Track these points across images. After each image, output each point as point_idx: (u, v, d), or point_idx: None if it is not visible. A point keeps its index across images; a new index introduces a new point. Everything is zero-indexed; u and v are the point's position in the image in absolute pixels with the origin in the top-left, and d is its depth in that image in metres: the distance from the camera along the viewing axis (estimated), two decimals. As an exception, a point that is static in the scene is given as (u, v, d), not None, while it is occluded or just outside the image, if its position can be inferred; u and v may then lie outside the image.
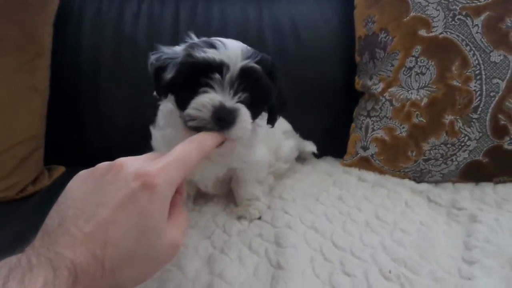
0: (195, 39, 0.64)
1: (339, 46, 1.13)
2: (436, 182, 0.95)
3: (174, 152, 0.42)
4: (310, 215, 0.77)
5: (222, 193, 0.86)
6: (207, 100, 0.54)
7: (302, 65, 1.12)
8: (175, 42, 1.09)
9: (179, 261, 0.65)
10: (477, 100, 0.89)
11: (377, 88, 0.98)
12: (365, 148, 1.00)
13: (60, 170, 1.07)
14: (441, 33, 0.90)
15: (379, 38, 0.98)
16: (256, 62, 0.57)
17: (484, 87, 0.88)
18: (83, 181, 0.40)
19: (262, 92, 0.59)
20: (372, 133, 0.98)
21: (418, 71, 0.92)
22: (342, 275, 0.61)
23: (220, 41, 0.58)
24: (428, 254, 0.66)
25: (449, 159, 0.92)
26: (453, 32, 0.89)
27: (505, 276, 0.60)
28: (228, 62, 0.55)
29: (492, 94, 0.88)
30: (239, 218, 0.78)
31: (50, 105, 1.05)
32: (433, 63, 0.91)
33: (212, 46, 0.57)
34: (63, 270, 0.31)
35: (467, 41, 0.89)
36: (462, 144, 0.91)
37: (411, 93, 0.93)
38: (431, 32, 0.91)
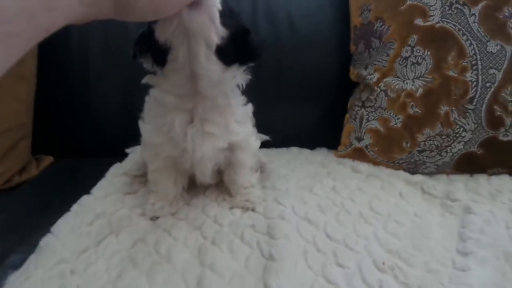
0: None
1: (334, 35, 1.11)
2: (431, 174, 0.95)
3: None
4: (304, 206, 0.76)
5: (216, 182, 0.85)
6: None
7: (296, 55, 1.11)
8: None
9: (169, 253, 0.63)
10: (473, 90, 0.87)
11: (372, 78, 0.96)
12: (359, 139, 0.99)
13: (48, 160, 1.05)
14: (438, 22, 0.89)
15: (375, 27, 0.96)
16: None
17: (480, 78, 0.87)
18: None
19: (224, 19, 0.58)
20: (367, 124, 0.97)
21: (414, 61, 0.91)
22: (335, 267, 0.60)
23: None
24: (422, 245, 0.65)
25: (444, 150, 0.91)
26: (450, 21, 0.88)
27: (499, 267, 0.59)
28: None
29: (488, 84, 0.87)
30: (235, 208, 0.77)
31: (38, 94, 1.02)
32: (429, 53, 0.90)
33: None
34: None
35: (464, 31, 0.87)
36: (457, 135, 0.90)
37: (407, 83, 0.92)
38: (428, 21, 0.89)
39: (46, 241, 0.64)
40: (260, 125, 1.06)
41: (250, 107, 0.78)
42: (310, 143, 1.15)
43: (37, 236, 0.66)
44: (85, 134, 1.12)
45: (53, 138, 1.11)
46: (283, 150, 1.10)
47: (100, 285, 0.56)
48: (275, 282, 0.55)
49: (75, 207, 0.74)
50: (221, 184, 0.85)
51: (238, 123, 0.74)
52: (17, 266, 0.60)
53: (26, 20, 0.30)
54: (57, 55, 1.06)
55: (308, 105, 1.14)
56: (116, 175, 0.88)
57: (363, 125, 0.98)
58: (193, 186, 0.85)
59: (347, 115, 1.05)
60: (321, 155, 1.06)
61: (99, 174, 0.89)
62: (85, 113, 1.10)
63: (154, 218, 0.74)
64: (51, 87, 1.07)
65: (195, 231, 0.70)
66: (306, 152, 1.09)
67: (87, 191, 0.81)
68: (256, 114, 1.01)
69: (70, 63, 1.07)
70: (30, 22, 0.31)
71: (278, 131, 1.11)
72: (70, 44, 1.07)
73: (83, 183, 0.85)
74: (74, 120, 1.11)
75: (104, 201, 0.77)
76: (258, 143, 0.83)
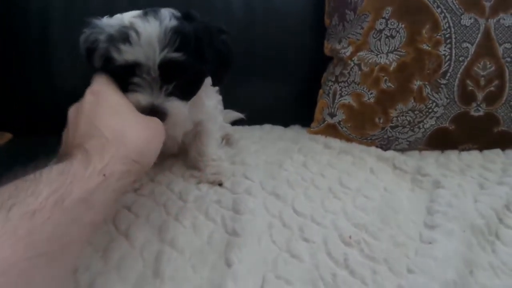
0: (114, 21, 0.58)
1: (309, 8, 1.08)
2: (403, 150, 0.94)
3: None
4: (272, 181, 0.74)
5: (179, 152, 0.84)
6: (134, 102, 0.54)
7: (270, 29, 1.07)
8: (131, 3, 1.02)
9: (128, 230, 0.60)
10: (446, 65, 0.86)
11: (346, 52, 0.94)
12: (332, 115, 0.96)
13: (6, 136, 0.99)
14: (413, -7, 0.86)
15: (349, -1, 0.93)
16: (177, 48, 0.54)
17: (453, 52, 0.86)
18: None
19: (190, 77, 0.59)
20: (340, 99, 0.95)
21: (388, 34, 0.89)
22: (301, 241, 0.58)
23: (135, 29, 0.53)
24: (390, 219, 0.64)
25: (416, 126, 0.90)
26: (424, -7, 0.86)
27: (465, 240, 0.58)
28: (145, 62, 0.53)
29: (461, 58, 0.86)
30: (203, 182, 0.75)
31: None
32: (403, 25, 0.87)
33: (127, 40, 0.53)
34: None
35: (439, 3, 0.85)
36: (430, 110, 0.89)
37: (380, 57, 0.90)
38: (403, -8, 0.87)
39: None
40: (233, 102, 1.03)
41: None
42: (284, 120, 1.12)
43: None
44: (44, 112, 1.06)
45: (12, 116, 1.04)
46: (256, 127, 1.07)
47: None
48: (237, 256, 0.53)
49: (29, 183, 0.70)
50: (188, 160, 0.82)
51: (206, 97, 0.73)
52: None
53: (77, 229, 0.36)
54: (15, 31, 0.99)
55: (282, 81, 1.11)
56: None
57: (336, 101, 0.96)
58: (158, 163, 0.81)
59: (320, 91, 1.02)
60: (294, 131, 1.04)
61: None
62: (45, 91, 1.03)
63: (115, 195, 0.70)
64: (10, 64, 1.00)
65: (158, 207, 0.66)
66: (278, 129, 1.06)
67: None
68: (228, 91, 0.97)
69: (29, 40, 1.00)
70: (80, 229, 0.37)
71: (251, 108, 1.09)
72: (28, 13, 0.99)
73: (41, 160, 0.80)
74: (34, 97, 1.04)
75: (62, 177, 0.73)
76: (221, 118, 0.83)
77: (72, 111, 0.51)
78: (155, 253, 0.55)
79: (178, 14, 0.59)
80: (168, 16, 0.55)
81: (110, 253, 0.55)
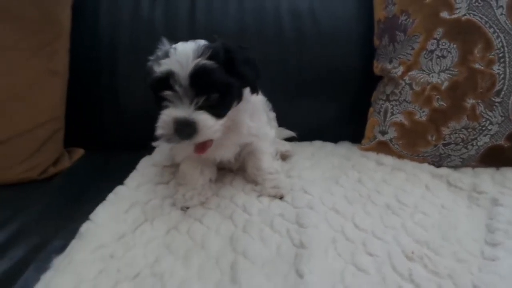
0: (164, 46, 0.67)
1: (357, 29, 1.11)
2: (456, 167, 0.95)
3: None
4: (331, 196, 0.78)
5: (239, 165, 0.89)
6: (165, 117, 0.61)
7: (320, 49, 1.11)
8: (191, 25, 1.11)
9: (202, 240, 0.66)
10: (500, 83, 0.87)
11: (397, 72, 0.97)
12: (383, 133, 0.99)
13: (79, 152, 1.08)
14: (464, 15, 0.88)
15: (400, 21, 0.96)
16: (208, 57, 0.60)
17: (507, 70, 0.87)
18: None
19: (221, 89, 0.63)
20: (391, 117, 0.98)
21: (440, 54, 0.91)
22: (365, 255, 0.61)
23: (175, 47, 0.63)
24: (450, 236, 0.66)
25: (470, 143, 0.91)
26: (476, 13, 0.88)
27: (529, 258, 0.59)
28: (178, 70, 0.59)
29: (515, 77, 0.87)
30: (264, 195, 0.80)
31: (70, 88, 1.06)
32: (455, 46, 0.89)
33: (166, 55, 0.62)
34: None
35: (491, 23, 0.87)
36: (483, 128, 0.90)
37: (432, 76, 0.92)
38: (454, 14, 0.89)
39: (86, 227, 0.67)
40: (283, 120, 1.08)
41: (260, 98, 0.82)
42: (332, 137, 1.15)
43: (75, 223, 0.69)
44: (112, 129, 1.15)
45: (84, 132, 1.14)
46: (306, 143, 1.11)
47: (139, 269, 0.59)
48: (307, 268, 0.57)
49: (110, 196, 0.77)
50: (246, 175, 0.87)
51: (251, 117, 0.77)
52: (59, 251, 0.63)
53: None
54: (88, 52, 1.09)
55: (329, 99, 1.15)
56: (146, 167, 0.91)
57: (387, 119, 0.98)
58: (220, 178, 0.87)
59: (371, 109, 1.05)
60: (345, 148, 1.07)
61: (128, 165, 0.92)
62: (113, 109, 1.13)
63: (184, 209, 0.76)
64: (82, 83, 1.10)
65: (226, 219, 0.72)
66: (329, 145, 1.10)
67: (118, 181, 0.84)
68: (278, 109, 1.02)
69: (99, 60, 1.10)
70: None
71: (300, 125, 1.14)
72: (99, 42, 1.10)
73: (113, 174, 0.88)
74: (103, 114, 1.14)
75: (137, 191, 0.80)
76: (273, 132, 0.87)
77: None
78: (230, 262, 0.60)
79: None
80: (204, 41, 0.65)
81: (189, 262, 0.61)
